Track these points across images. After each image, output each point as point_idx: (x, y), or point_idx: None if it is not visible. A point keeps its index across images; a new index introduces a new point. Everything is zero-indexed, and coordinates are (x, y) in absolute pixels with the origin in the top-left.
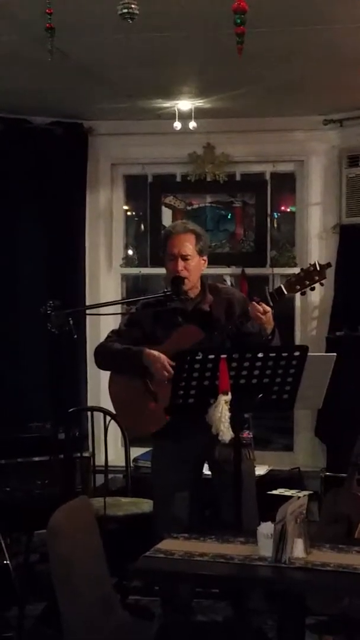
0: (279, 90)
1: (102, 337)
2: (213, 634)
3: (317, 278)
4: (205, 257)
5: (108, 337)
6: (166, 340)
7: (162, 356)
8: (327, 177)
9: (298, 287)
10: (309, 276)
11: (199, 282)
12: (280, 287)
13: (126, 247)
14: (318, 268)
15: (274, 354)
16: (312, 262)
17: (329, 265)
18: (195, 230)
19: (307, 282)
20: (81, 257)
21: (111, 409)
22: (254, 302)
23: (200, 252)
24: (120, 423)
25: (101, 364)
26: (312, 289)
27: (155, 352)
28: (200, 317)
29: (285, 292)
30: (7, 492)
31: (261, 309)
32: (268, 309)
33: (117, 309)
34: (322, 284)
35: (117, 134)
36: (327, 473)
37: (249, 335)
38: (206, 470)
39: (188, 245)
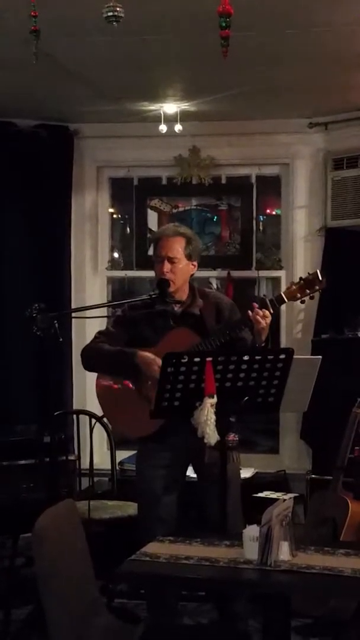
0: (264, 93)
1: (88, 340)
2: (199, 637)
3: (317, 287)
4: (195, 262)
5: (95, 337)
6: (159, 342)
7: (157, 359)
8: (312, 180)
9: (298, 295)
10: (310, 285)
11: (186, 285)
12: (280, 294)
13: (112, 250)
14: (319, 277)
15: (259, 357)
16: (313, 272)
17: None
18: (186, 234)
19: (308, 291)
20: (67, 260)
21: (97, 411)
22: (255, 308)
23: (190, 257)
24: (110, 426)
25: (89, 365)
26: (312, 297)
27: (150, 355)
28: (191, 320)
29: (286, 300)
30: None
31: (262, 314)
32: (268, 314)
33: (103, 311)
34: (320, 293)
35: (102, 137)
36: (313, 476)
37: (241, 340)
38: (190, 473)
39: (177, 248)
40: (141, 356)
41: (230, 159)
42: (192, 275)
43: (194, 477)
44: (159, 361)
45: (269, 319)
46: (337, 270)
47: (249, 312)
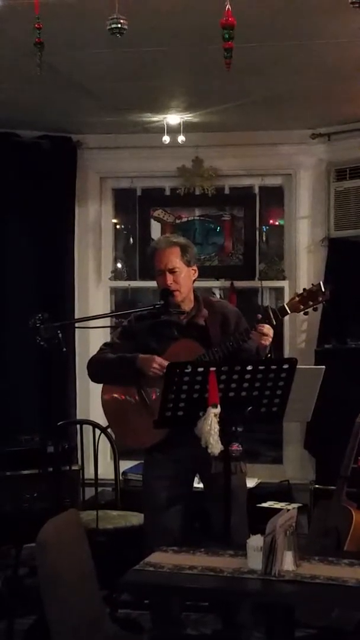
0: (267, 104)
1: (92, 350)
2: None
3: (320, 299)
4: (194, 267)
5: (101, 349)
6: (164, 353)
7: (156, 357)
8: (315, 191)
9: (302, 306)
10: (313, 297)
11: (191, 293)
12: (283, 306)
13: (115, 260)
14: (322, 289)
15: (263, 367)
16: (316, 283)
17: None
18: (179, 243)
19: (311, 303)
20: (70, 271)
21: (101, 422)
22: (259, 327)
23: (188, 263)
24: (115, 436)
25: (95, 376)
26: (315, 309)
27: (148, 355)
28: (195, 331)
29: (289, 312)
30: None
31: (265, 331)
32: (270, 332)
33: (106, 322)
34: (324, 304)
35: (106, 148)
36: (317, 486)
37: (245, 351)
38: (196, 483)
39: (174, 259)
40: (141, 359)
41: (233, 170)
42: (194, 280)
43: (200, 488)
44: (158, 359)
45: (271, 335)
46: (340, 280)
47: (252, 332)
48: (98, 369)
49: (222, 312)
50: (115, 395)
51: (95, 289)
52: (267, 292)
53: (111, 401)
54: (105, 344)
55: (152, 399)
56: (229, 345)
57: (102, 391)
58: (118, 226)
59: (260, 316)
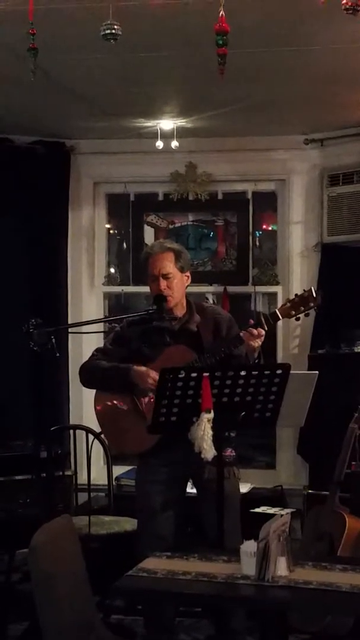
0: (260, 109)
1: (85, 356)
2: None
3: (312, 304)
4: (187, 274)
5: (93, 355)
6: (156, 359)
7: (150, 370)
8: (308, 196)
9: (293, 312)
10: (305, 302)
11: (184, 299)
12: (275, 312)
13: (108, 266)
14: (314, 294)
15: (256, 372)
16: (308, 289)
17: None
18: (174, 248)
19: (302, 308)
20: (63, 276)
21: (94, 427)
22: (250, 328)
23: (182, 269)
24: (107, 442)
25: (87, 382)
26: (307, 314)
27: (143, 368)
28: (188, 337)
29: (280, 317)
30: None
31: (256, 333)
32: (262, 333)
33: (100, 327)
34: (316, 310)
35: (99, 153)
36: (310, 491)
37: (237, 357)
38: (190, 488)
39: (167, 264)
40: (135, 371)
41: (226, 175)
42: (187, 286)
43: (193, 493)
44: (153, 373)
45: (262, 338)
46: (333, 285)
47: (242, 332)
48: (90, 376)
49: (214, 317)
50: (108, 401)
51: (88, 294)
52: (261, 297)
53: (104, 407)
54: (97, 350)
55: (145, 404)
56: (221, 351)
57: (94, 398)
58: (111, 231)
59: (252, 322)
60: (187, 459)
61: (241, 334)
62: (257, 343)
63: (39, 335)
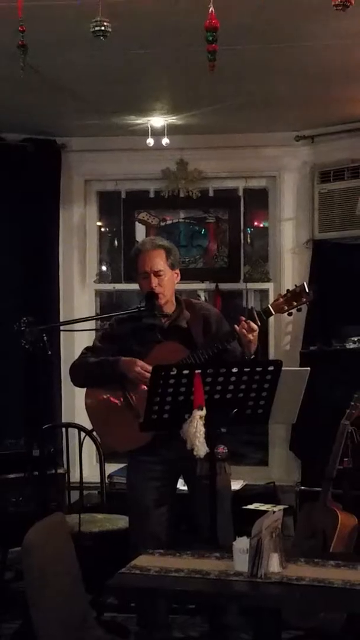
0: (251, 106)
1: (77, 353)
2: None
3: (304, 299)
4: (177, 271)
5: (82, 354)
6: (147, 356)
7: (138, 360)
8: (299, 193)
9: (285, 307)
10: (297, 297)
11: (173, 297)
12: (267, 307)
13: (100, 263)
14: (306, 289)
15: (248, 369)
16: (300, 284)
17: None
18: (165, 245)
19: (295, 303)
20: (55, 273)
21: (86, 425)
22: (242, 321)
23: (172, 267)
24: (99, 439)
25: (77, 380)
26: (299, 310)
27: (130, 358)
28: (178, 334)
29: (273, 313)
30: None
31: (248, 327)
32: (255, 327)
33: (92, 324)
34: (308, 305)
35: (90, 151)
36: (302, 487)
37: (229, 352)
38: (181, 485)
39: (159, 261)
40: (123, 361)
41: (217, 172)
42: (176, 283)
43: (184, 490)
44: (140, 362)
45: (256, 332)
46: (325, 282)
47: (236, 325)
48: (80, 373)
49: (203, 313)
50: (99, 398)
51: (80, 292)
52: (252, 294)
53: (95, 404)
54: (86, 348)
55: (137, 401)
56: (214, 347)
57: (85, 395)
58: (103, 229)
59: (244, 318)
60: (178, 456)
61: (235, 326)
62: (251, 337)
63: (31, 333)
